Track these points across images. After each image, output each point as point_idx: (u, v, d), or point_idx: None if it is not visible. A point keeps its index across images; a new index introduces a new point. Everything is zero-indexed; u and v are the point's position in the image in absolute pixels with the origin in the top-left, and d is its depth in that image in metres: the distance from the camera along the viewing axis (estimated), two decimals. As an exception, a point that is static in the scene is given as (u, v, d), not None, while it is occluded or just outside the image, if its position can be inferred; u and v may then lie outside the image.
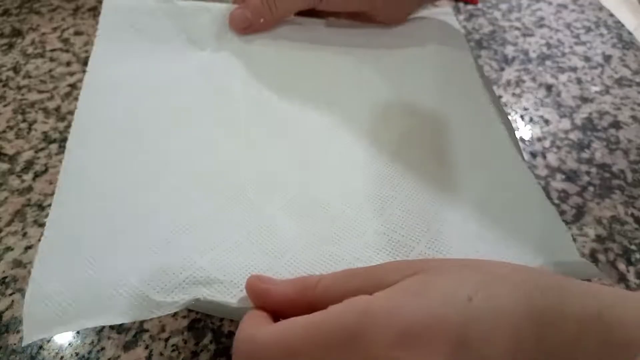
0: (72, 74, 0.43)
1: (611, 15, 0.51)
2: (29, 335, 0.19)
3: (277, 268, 0.21)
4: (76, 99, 0.40)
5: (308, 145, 0.29)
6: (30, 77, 0.42)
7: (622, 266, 0.30)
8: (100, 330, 0.27)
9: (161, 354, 0.26)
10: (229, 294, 0.20)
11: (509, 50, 0.46)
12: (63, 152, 0.36)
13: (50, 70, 0.43)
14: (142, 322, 0.27)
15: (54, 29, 0.47)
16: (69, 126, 0.38)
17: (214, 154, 0.27)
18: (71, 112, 0.39)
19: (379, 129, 0.29)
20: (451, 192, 0.26)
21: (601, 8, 0.52)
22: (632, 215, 0.33)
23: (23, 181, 0.34)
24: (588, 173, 0.35)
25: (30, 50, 0.45)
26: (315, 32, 0.34)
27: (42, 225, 0.31)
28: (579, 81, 0.43)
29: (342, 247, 0.23)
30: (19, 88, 0.41)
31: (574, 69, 0.44)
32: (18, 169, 0.35)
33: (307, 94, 0.31)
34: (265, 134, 0.29)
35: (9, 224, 0.32)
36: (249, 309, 0.20)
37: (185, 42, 0.32)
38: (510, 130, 0.30)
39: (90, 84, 0.28)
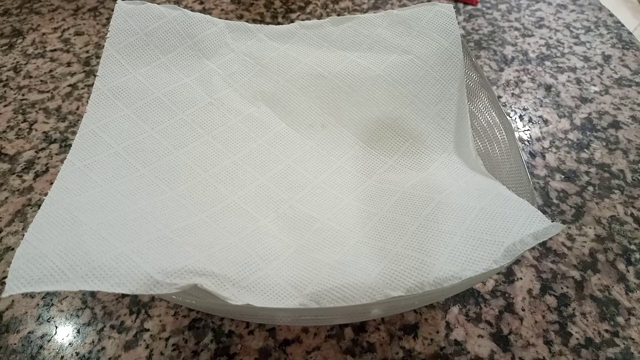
0: (72, 74, 0.43)
1: (611, 15, 0.51)
2: (13, 287, 0.19)
3: (266, 270, 0.23)
4: (77, 99, 0.40)
5: (300, 164, 0.31)
6: (30, 77, 0.42)
7: (621, 266, 0.30)
8: (100, 330, 0.27)
9: (162, 354, 0.26)
10: (222, 287, 0.22)
11: (509, 51, 0.46)
12: (64, 152, 0.36)
13: (50, 71, 0.43)
14: (142, 322, 0.27)
15: (55, 29, 0.47)
16: (69, 126, 0.38)
17: (211, 167, 0.29)
18: (72, 112, 0.39)
19: (366, 151, 0.32)
20: (431, 209, 0.28)
21: (601, 8, 0.52)
22: (632, 215, 0.33)
23: (24, 181, 0.34)
24: (587, 173, 0.35)
25: (30, 50, 0.45)
26: (318, 41, 0.35)
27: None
28: (578, 81, 0.43)
29: (325, 254, 0.25)
30: (20, 88, 0.41)
31: (573, 69, 0.44)
32: (19, 169, 0.35)
33: (303, 112, 0.33)
34: (261, 151, 0.31)
35: (9, 224, 0.32)
36: (247, 307, 0.21)
37: (191, 49, 0.33)
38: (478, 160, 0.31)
39: (99, 88, 0.30)
